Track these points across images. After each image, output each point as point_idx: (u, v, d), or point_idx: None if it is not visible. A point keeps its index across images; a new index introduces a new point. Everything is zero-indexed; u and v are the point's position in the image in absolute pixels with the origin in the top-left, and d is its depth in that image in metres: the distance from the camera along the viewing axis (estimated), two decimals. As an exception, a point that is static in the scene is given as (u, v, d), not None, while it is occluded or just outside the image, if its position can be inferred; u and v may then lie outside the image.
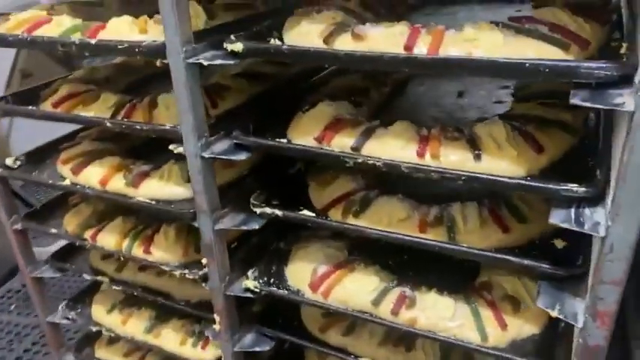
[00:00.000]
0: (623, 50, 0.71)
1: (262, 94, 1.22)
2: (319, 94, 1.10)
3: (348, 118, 0.97)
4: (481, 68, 0.73)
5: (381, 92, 1.17)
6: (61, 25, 1.03)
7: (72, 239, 1.28)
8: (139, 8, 1.39)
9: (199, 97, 0.93)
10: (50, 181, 1.20)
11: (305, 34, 0.89)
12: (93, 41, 0.95)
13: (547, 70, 0.68)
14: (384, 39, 0.81)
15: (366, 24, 0.86)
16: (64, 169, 1.22)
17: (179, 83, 0.89)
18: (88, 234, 1.25)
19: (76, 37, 0.97)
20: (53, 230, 1.30)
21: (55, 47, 0.99)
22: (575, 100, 0.65)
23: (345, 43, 0.84)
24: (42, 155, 1.33)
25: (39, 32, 1.03)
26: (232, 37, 0.90)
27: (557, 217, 0.71)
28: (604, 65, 0.65)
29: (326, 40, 0.85)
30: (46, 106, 1.17)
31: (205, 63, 0.87)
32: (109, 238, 1.22)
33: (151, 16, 1.03)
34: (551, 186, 0.74)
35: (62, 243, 1.46)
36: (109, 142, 1.31)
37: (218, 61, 0.88)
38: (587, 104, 0.64)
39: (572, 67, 0.67)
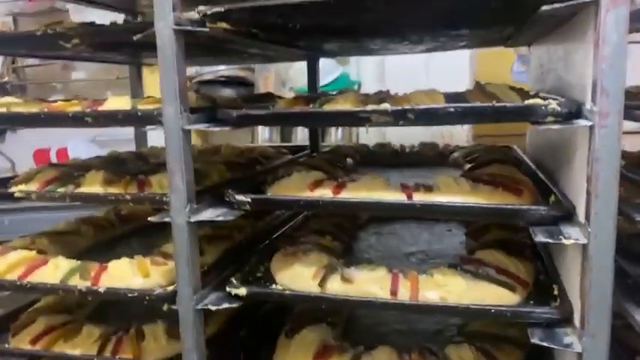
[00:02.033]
0: (555, 292, 0.94)
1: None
2: (297, 317, 1.22)
3: (334, 345, 1.08)
4: (457, 313, 0.91)
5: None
6: (58, 268, 1.10)
7: None
8: (113, 232, 1.50)
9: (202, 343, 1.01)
10: None
11: (298, 276, 1.04)
12: (101, 289, 1.02)
13: (508, 314, 0.88)
14: (370, 282, 0.99)
15: (350, 267, 1.03)
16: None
17: (187, 327, 0.97)
18: None
19: (82, 284, 1.04)
20: None
21: (57, 292, 1.04)
22: (534, 340, 0.84)
23: (336, 285, 1.00)
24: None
25: (37, 276, 1.08)
26: (234, 281, 1.03)
27: None
28: (549, 310, 0.87)
29: (320, 284, 1.00)
30: (22, 342, 1.16)
31: (213, 308, 0.98)
32: None
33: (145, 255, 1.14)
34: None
35: None
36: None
37: (224, 305, 0.99)
38: (545, 344, 0.83)
39: (527, 312, 0.88)
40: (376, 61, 2.90)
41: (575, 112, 0.80)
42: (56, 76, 3.32)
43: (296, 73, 3.23)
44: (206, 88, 3.11)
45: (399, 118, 0.86)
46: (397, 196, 0.95)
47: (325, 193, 0.99)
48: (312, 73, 1.71)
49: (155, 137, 1.93)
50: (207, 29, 0.89)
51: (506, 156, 1.33)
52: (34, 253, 1.18)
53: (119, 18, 1.79)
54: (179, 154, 0.92)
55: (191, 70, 3.08)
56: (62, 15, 3.07)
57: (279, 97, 1.63)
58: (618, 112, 0.72)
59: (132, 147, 2.16)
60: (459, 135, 2.68)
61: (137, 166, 1.63)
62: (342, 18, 0.89)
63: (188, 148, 0.93)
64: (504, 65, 2.78)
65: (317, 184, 1.01)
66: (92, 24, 1.14)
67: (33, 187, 1.15)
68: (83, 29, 1.04)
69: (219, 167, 1.32)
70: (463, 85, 2.79)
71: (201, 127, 0.94)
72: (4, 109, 1.10)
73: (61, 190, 1.13)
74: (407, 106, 0.86)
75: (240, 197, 0.99)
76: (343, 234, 1.35)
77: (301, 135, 3.31)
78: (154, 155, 1.74)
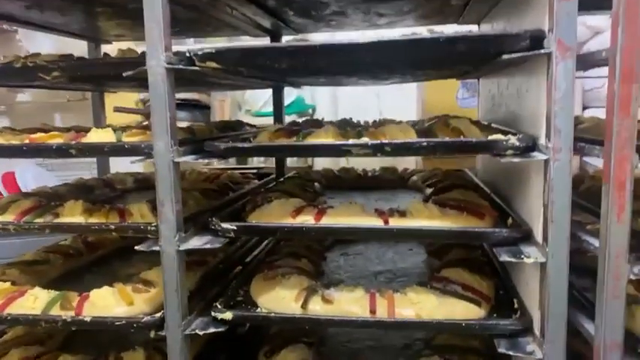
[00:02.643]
0: (516, 305, 1.04)
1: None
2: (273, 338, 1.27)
3: (314, 365, 1.14)
4: (432, 327, 1.00)
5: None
6: (37, 299, 1.09)
7: None
8: (81, 260, 1.49)
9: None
10: None
11: (281, 299, 1.09)
12: (87, 319, 1.03)
13: (477, 326, 0.97)
14: (350, 302, 1.06)
15: (330, 289, 1.10)
16: None
17: (175, 354, 1.00)
18: None
19: (67, 314, 1.04)
20: None
21: (39, 324, 1.04)
22: (501, 349, 0.94)
23: (318, 306, 1.06)
24: None
25: (15, 308, 1.07)
26: (218, 305, 1.07)
27: None
28: (513, 322, 0.97)
29: (303, 305, 1.06)
30: (-3, 375, 1.15)
31: (201, 333, 1.01)
32: None
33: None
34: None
35: None
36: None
37: (211, 330, 1.02)
38: (511, 352, 0.93)
39: (494, 324, 0.97)
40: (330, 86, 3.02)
41: (531, 145, 0.91)
42: (-1, 98, 3.21)
43: (251, 97, 3.30)
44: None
45: (378, 150, 0.94)
46: (374, 222, 1.03)
47: (307, 219, 1.06)
48: (278, 101, 1.78)
49: (116, 162, 1.94)
50: (197, 67, 0.95)
51: (464, 180, 1.45)
52: (8, 284, 1.16)
53: (78, 44, 1.80)
54: (169, 185, 0.96)
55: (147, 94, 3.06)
56: (9, 36, 2.99)
57: (249, 125, 1.70)
58: (569, 147, 0.84)
59: (81, 170, 2.13)
60: (409, 158, 2.84)
61: (105, 192, 1.64)
62: (329, 61, 0.97)
63: (178, 180, 0.98)
64: (450, 92, 2.96)
65: (299, 211, 1.08)
66: (71, 56, 1.17)
67: (9, 217, 1.14)
68: (66, 63, 1.07)
69: (194, 195, 1.35)
70: (412, 109, 2.97)
71: (190, 159, 0.99)
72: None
73: (39, 220, 1.13)
74: (385, 141, 0.94)
75: (225, 225, 1.04)
76: (314, 256, 1.42)
77: (256, 157, 3.37)
78: (120, 181, 1.75)
